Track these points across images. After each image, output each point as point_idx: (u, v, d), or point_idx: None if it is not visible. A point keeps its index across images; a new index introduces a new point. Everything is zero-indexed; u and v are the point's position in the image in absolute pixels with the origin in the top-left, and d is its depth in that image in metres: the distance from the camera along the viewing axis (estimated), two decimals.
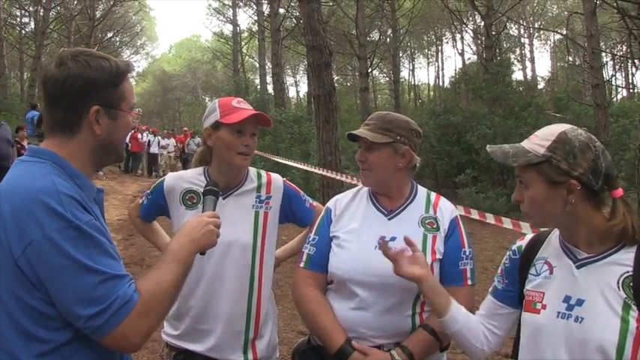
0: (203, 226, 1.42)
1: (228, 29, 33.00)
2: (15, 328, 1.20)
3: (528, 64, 39.60)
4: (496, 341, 1.61)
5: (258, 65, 32.35)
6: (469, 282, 1.86)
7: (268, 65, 28.02)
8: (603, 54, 17.99)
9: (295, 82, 47.20)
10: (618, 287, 1.33)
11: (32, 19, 25.55)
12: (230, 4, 31.06)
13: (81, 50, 1.35)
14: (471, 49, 30.53)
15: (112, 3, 27.48)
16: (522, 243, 1.59)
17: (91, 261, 1.19)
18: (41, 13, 23.03)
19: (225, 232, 1.56)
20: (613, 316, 1.30)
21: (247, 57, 35.79)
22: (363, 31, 20.89)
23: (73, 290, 1.17)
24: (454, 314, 1.59)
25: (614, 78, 22.65)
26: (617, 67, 23.96)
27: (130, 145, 16.77)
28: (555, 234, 1.52)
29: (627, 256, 1.35)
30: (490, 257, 7.43)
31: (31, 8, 24.99)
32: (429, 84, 45.01)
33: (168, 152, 19.64)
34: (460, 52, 35.11)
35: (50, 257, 1.17)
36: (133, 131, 14.59)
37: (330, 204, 2.04)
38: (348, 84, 37.38)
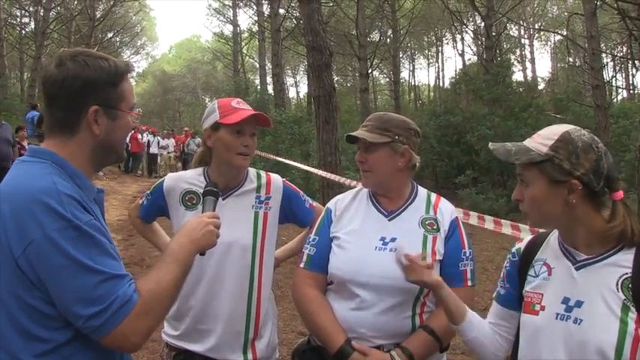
0: (203, 226, 1.42)
1: (228, 30, 33.08)
2: (15, 327, 1.20)
3: (529, 64, 39.71)
4: (510, 346, 1.60)
5: (258, 66, 32.37)
6: (469, 283, 1.86)
7: (268, 66, 28.03)
8: (603, 55, 18.00)
9: (295, 82, 47.28)
10: (617, 289, 1.33)
11: (32, 19, 25.57)
12: (230, 4, 31.09)
13: (80, 50, 1.35)
14: (471, 49, 30.57)
15: (112, 3, 27.49)
16: (521, 245, 1.59)
17: (91, 261, 1.19)
18: (41, 13, 23.04)
19: (225, 233, 1.56)
20: (612, 318, 1.30)
21: (247, 57, 35.82)
22: (364, 32, 20.89)
23: (73, 290, 1.17)
24: (471, 319, 1.58)
25: (614, 79, 22.65)
26: (617, 68, 23.95)
27: (129, 145, 16.78)
28: (554, 235, 1.52)
29: (626, 257, 1.35)
30: (490, 258, 7.43)
31: (31, 8, 25.01)
32: (429, 85, 45.11)
33: (168, 152, 19.64)
34: (460, 52, 35.17)
35: (50, 257, 1.17)
36: (132, 131, 14.59)
37: (330, 204, 2.04)
38: (348, 85, 37.41)
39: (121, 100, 1.36)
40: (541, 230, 1.61)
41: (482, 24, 19.80)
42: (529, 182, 1.41)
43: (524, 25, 34.54)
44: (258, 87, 28.38)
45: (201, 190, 1.70)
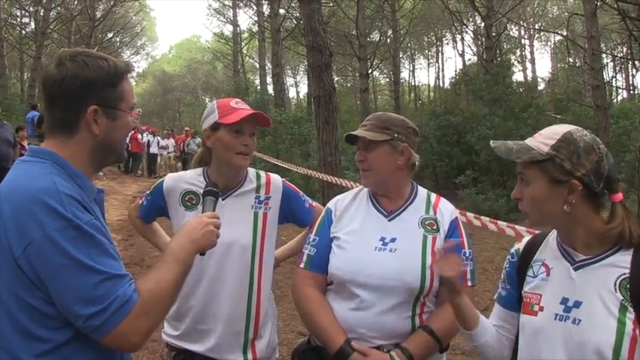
0: (203, 226, 1.42)
1: (228, 30, 33.07)
2: (15, 327, 1.20)
3: (529, 65, 39.69)
4: (511, 345, 1.59)
5: (258, 66, 32.35)
6: (469, 283, 1.86)
7: (268, 66, 28.02)
8: (604, 55, 17.99)
9: (295, 82, 47.28)
10: (615, 289, 1.33)
11: (32, 19, 25.55)
12: (230, 4, 31.08)
13: (80, 51, 1.35)
14: (472, 50, 30.57)
15: (112, 3, 27.49)
16: (520, 246, 1.60)
17: (91, 260, 1.19)
18: (41, 14, 23.03)
19: (225, 233, 1.56)
20: (610, 318, 1.31)
21: (247, 57, 35.82)
22: (364, 32, 20.89)
23: (73, 289, 1.18)
24: (484, 323, 1.58)
25: (614, 79, 22.64)
26: (617, 68, 23.93)
27: (129, 145, 16.78)
28: (553, 236, 1.52)
29: (624, 258, 1.36)
30: (490, 258, 7.43)
31: (31, 8, 25.00)
32: (429, 85, 45.09)
33: (168, 153, 19.63)
34: (460, 53, 35.18)
35: (50, 256, 1.17)
36: (133, 132, 14.59)
37: (330, 205, 2.04)
38: (349, 85, 37.41)
39: (121, 100, 1.36)
40: (536, 231, 1.61)
41: (483, 24, 19.79)
42: (529, 181, 1.41)
43: (525, 25, 34.53)
44: (258, 87, 28.40)
45: (201, 191, 1.71)
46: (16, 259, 1.18)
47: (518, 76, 28.09)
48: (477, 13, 20.80)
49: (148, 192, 2.23)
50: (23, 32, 26.96)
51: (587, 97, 21.04)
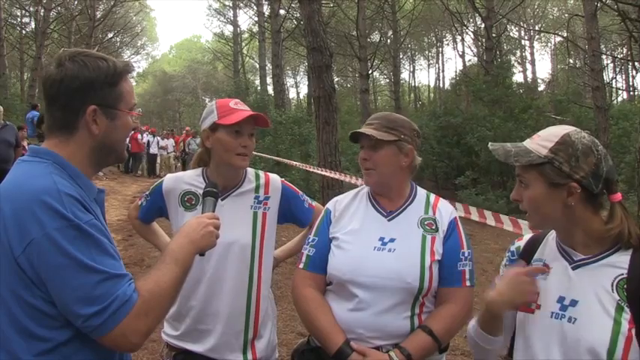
0: (202, 227, 1.42)
1: (228, 30, 33.12)
2: (15, 326, 1.21)
3: (529, 66, 39.69)
4: (508, 342, 1.59)
5: (258, 66, 32.32)
6: (468, 283, 1.86)
7: (268, 66, 27.99)
8: (604, 56, 18.00)
9: (295, 83, 47.27)
10: (612, 289, 1.33)
11: (33, 19, 25.56)
12: (230, 5, 31.11)
13: (80, 51, 1.35)
14: (472, 51, 30.59)
15: (112, 3, 27.51)
16: (520, 243, 1.60)
17: (91, 260, 1.19)
18: (42, 13, 23.05)
19: (224, 233, 1.56)
20: (606, 318, 1.31)
21: (248, 58, 35.86)
22: (364, 33, 20.89)
23: (73, 289, 1.18)
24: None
25: (614, 80, 22.63)
26: (617, 69, 23.96)
27: (130, 145, 16.76)
28: (552, 235, 1.52)
29: (622, 259, 1.36)
30: (490, 259, 7.44)
31: (31, 8, 25.00)
32: (429, 86, 45.15)
33: (168, 153, 19.62)
34: (460, 53, 35.13)
35: (50, 256, 1.17)
36: (133, 132, 14.56)
37: (329, 205, 2.04)
38: (349, 85, 37.43)
39: (120, 100, 1.37)
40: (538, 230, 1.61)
41: (483, 25, 19.80)
42: (528, 184, 1.41)
43: (525, 26, 34.49)
44: (259, 87, 28.38)
45: (200, 191, 1.71)
46: (16, 259, 1.18)
47: (518, 77, 28.18)
48: (477, 14, 20.81)
49: (147, 192, 2.23)
50: (23, 32, 26.99)
51: (587, 98, 21.06)
